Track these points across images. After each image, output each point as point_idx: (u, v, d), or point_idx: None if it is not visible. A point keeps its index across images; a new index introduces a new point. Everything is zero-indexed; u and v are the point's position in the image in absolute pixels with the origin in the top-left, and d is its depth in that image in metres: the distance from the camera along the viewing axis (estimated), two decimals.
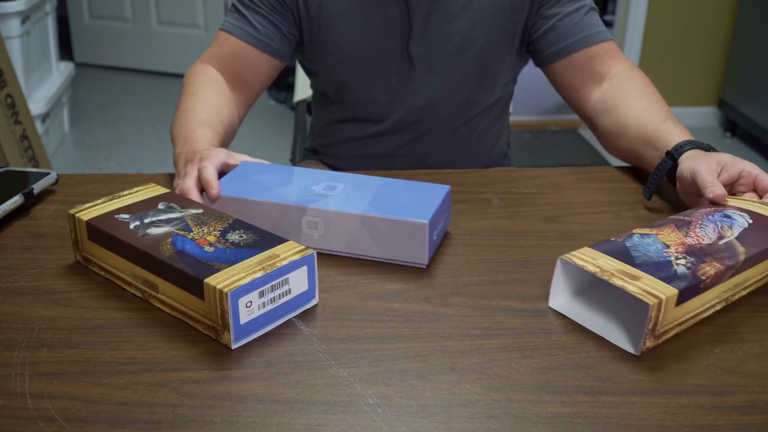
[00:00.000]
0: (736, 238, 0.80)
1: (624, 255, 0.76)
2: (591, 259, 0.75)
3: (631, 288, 0.70)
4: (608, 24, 4.17)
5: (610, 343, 0.72)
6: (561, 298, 0.78)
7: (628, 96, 1.13)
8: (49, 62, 3.31)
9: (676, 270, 0.73)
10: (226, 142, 1.12)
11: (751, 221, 0.83)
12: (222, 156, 0.94)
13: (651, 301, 0.68)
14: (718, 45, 3.64)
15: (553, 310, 0.78)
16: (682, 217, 0.84)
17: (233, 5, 1.22)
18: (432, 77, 1.23)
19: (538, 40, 1.21)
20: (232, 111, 1.17)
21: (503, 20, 1.19)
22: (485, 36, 1.20)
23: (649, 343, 0.71)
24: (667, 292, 0.69)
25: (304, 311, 0.77)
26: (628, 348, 0.71)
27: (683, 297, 0.71)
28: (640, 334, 0.71)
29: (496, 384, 0.66)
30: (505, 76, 1.30)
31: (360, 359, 0.69)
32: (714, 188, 0.88)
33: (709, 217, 0.84)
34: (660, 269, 0.73)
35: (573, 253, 0.77)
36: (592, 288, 0.80)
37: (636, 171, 1.12)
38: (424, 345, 0.72)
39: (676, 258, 0.75)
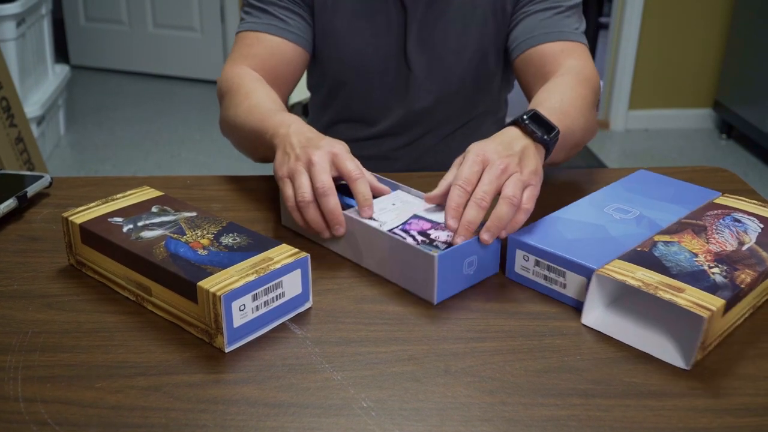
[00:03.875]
0: (756, 243, 0.80)
1: (658, 266, 0.74)
2: (629, 273, 0.73)
3: (681, 302, 0.68)
4: (603, 26, 4.18)
5: (603, 345, 0.72)
6: (595, 314, 0.76)
7: (541, 88, 1.07)
8: (45, 65, 3.31)
9: (714, 280, 0.72)
10: None
11: (762, 225, 0.84)
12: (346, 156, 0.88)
13: (704, 313, 0.67)
14: (714, 47, 3.65)
15: (546, 312, 0.77)
16: (694, 221, 0.84)
17: (249, 5, 1.19)
18: (429, 82, 1.23)
19: (507, 37, 1.20)
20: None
21: (497, 26, 1.19)
22: (479, 41, 1.20)
23: (699, 356, 0.69)
24: (716, 303, 0.68)
25: (297, 314, 0.77)
26: (679, 363, 0.69)
27: (727, 306, 0.70)
28: (690, 347, 0.70)
29: (489, 387, 0.66)
30: (501, 81, 1.30)
31: (354, 362, 0.69)
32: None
33: (720, 221, 0.84)
34: (699, 279, 0.72)
35: (606, 266, 0.74)
36: (624, 301, 0.78)
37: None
38: (417, 348, 0.71)
39: (709, 266, 0.74)
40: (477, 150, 0.83)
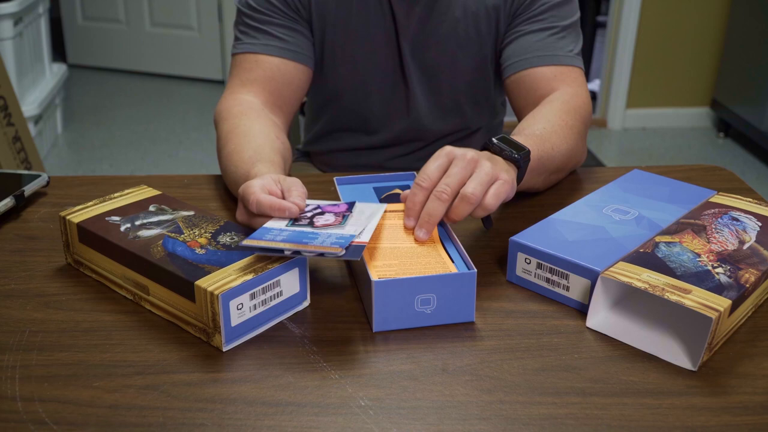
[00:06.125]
0: (756, 241, 0.80)
1: (662, 267, 0.74)
2: (634, 275, 0.73)
3: (688, 303, 0.68)
4: (601, 25, 4.18)
5: (601, 344, 0.72)
6: (599, 317, 0.76)
7: (528, 114, 1.06)
8: (42, 64, 3.30)
9: (719, 280, 0.72)
10: (286, 167, 1.01)
11: (760, 224, 0.84)
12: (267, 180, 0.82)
13: (712, 314, 0.66)
14: (711, 46, 3.65)
15: (544, 311, 0.77)
16: (692, 221, 0.84)
17: (244, 25, 1.14)
18: (425, 98, 1.23)
19: (500, 54, 1.18)
20: (278, 132, 1.04)
21: (492, 43, 1.19)
22: (474, 58, 1.19)
23: (705, 357, 0.69)
24: (723, 303, 0.68)
25: (295, 313, 0.77)
26: (686, 364, 0.69)
27: (733, 307, 0.70)
28: (697, 348, 0.70)
29: (487, 385, 0.66)
30: (497, 97, 1.30)
31: (351, 361, 0.69)
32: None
33: (719, 220, 0.84)
34: (704, 280, 0.72)
35: (611, 269, 0.74)
36: (627, 303, 0.78)
37: None
38: (415, 346, 0.71)
39: (713, 266, 0.74)
40: (445, 148, 0.83)
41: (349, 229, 0.76)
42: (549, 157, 0.96)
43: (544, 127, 0.99)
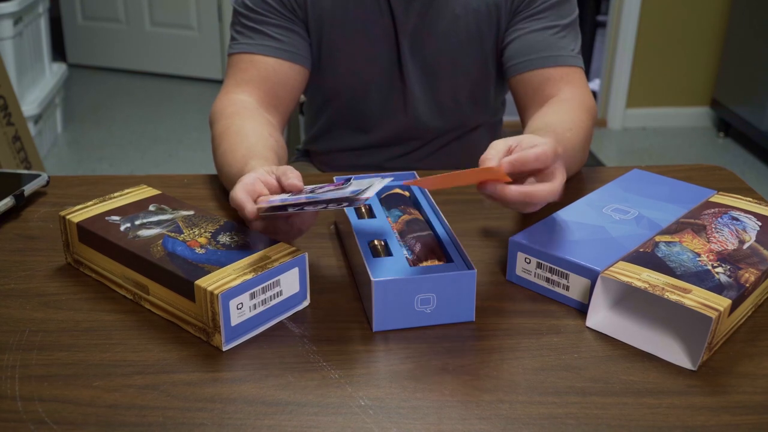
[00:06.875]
0: (756, 241, 0.80)
1: (662, 267, 0.74)
2: (634, 274, 0.73)
3: (688, 302, 0.68)
4: (601, 24, 4.18)
5: (601, 344, 0.72)
6: (599, 316, 0.76)
7: (544, 109, 1.07)
8: (42, 63, 3.30)
9: (719, 279, 0.72)
10: (281, 164, 0.98)
11: (760, 223, 0.84)
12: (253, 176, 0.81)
13: (712, 314, 0.67)
14: (711, 45, 3.65)
15: (544, 311, 0.77)
16: (692, 220, 0.84)
17: (240, 25, 1.14)
18: (424, 96, 1.22)
19: (503, 53, 1.18)
20: (272, 130, 1.04)
21: (492, 41, 1.18)
22: (474, 56, 1.19)
23: (705, 357, 0.69)
24: (723, 303, 0.68)
25: (295, 313, 0.77)
26: (686, 364, 0.69)
27: (733, 306, 0.70)
28: (697, 348, 0.70)
29: (487, 385, 0.66)
30: (497, 95, 1.30)
31: (351, 361, 0.69)
32: (488, 159, 0.77)
33: (719, 219, 0.84)
34: (704, 279, 0.72)
35: (611, 269, 0.74)
36: (627, 303, 0.78)
37: None
38: (415, 346, 0.71)
39: (713, 266, 0.75)
40: (559, 149, 0.79)
41: (353, 187, 0.75)
42: (574, 162, 0.99)
43: (572, 129, 1.00)
